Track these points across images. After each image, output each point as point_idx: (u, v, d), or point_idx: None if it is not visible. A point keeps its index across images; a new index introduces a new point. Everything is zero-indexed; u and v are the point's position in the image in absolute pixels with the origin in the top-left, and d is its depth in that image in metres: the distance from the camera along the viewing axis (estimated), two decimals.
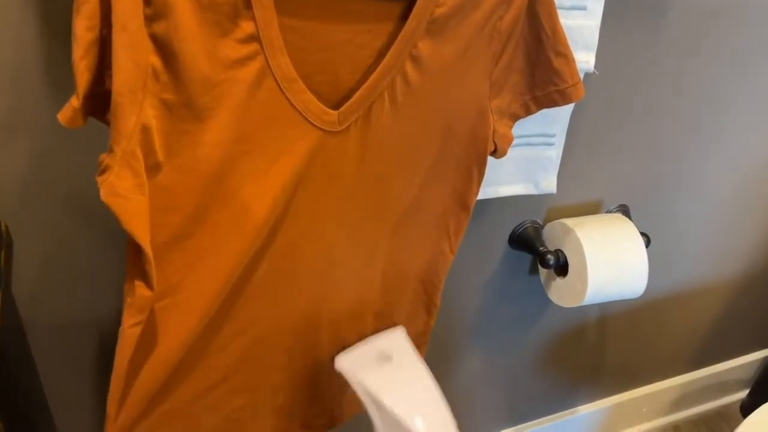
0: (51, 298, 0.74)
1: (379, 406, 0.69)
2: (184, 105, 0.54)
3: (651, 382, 1.39)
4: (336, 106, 0.59)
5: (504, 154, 0.72)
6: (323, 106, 0.59)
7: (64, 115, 0.51)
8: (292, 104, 0.57)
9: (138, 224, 0.54)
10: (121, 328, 0.59)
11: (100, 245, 0.73)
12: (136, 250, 0.56)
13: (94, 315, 0.77)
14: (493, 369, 1.15)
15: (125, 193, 0.53)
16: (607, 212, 1.04)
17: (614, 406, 1.35)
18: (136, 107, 0.51)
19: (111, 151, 0.52)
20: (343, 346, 0.78)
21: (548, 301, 1.03)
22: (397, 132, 0.64)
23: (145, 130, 0.53)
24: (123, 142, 0.52)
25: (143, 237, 0.55)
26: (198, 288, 0.62)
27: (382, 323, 0.80)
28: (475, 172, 0.72)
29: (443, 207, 0.74)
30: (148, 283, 0.58)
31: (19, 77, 0.61)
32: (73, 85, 0.50)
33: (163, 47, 0.51)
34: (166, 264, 0.60)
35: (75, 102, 0.51)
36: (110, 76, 0.50)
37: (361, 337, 0.79)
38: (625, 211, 1.03)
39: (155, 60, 0.51)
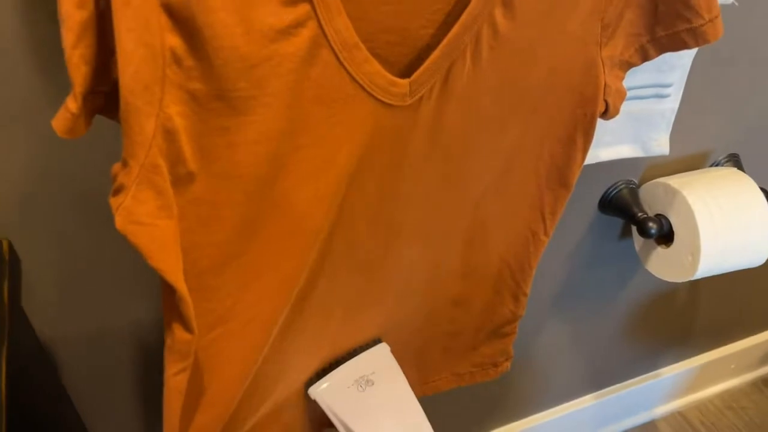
0: (72, 314, 0.64)
1: None
2: (217, 96, 0.41)
3: (741, 339, 1.30)
4: (405, 73, 0.46)
5: (616, 113, 0.58)
6: (391, 76, 0.46)
7: (59, 123, 0.38)
8: (353, 78, 0.44)
9: (167, 257, 0.42)
10: (165, 376, 0.48)
11: (119, 246, 0.61)
12: (170, 287, 0.44)
13: (124, 321, 0.67)
14: (573, 337, 1.05)
15: (147, 219, 0.41)
16: (713, 165, 0.89)
17: (701, 366, 1.27)
18: (154, 107, 0.39)
19: (125, 165, 0.40)
20: (412, 343, 0.69)
21: (637, 266, 0.91)
22: (480, 99, 0.51)
23: (169, 134, 0.40)
24: (140, 154, 0.39)
25: (174, 272, 0.43)
26: (254, 312, 0.52)
27: (461, 312, 0.70)
28: (579, 140, 0.59)
29: (536, 183, 0.62)
30: (186, 326, 0.46)
31: (12, 62, 0.48)
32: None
33: (183, 21, 0.37)
34: (215, 290, 0.49)
35: (72, 105, 0.37)
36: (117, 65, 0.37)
37: (433, 331, 0.70)
38: (736, 161, 0.88)
39: (174, 40, 0.38)
